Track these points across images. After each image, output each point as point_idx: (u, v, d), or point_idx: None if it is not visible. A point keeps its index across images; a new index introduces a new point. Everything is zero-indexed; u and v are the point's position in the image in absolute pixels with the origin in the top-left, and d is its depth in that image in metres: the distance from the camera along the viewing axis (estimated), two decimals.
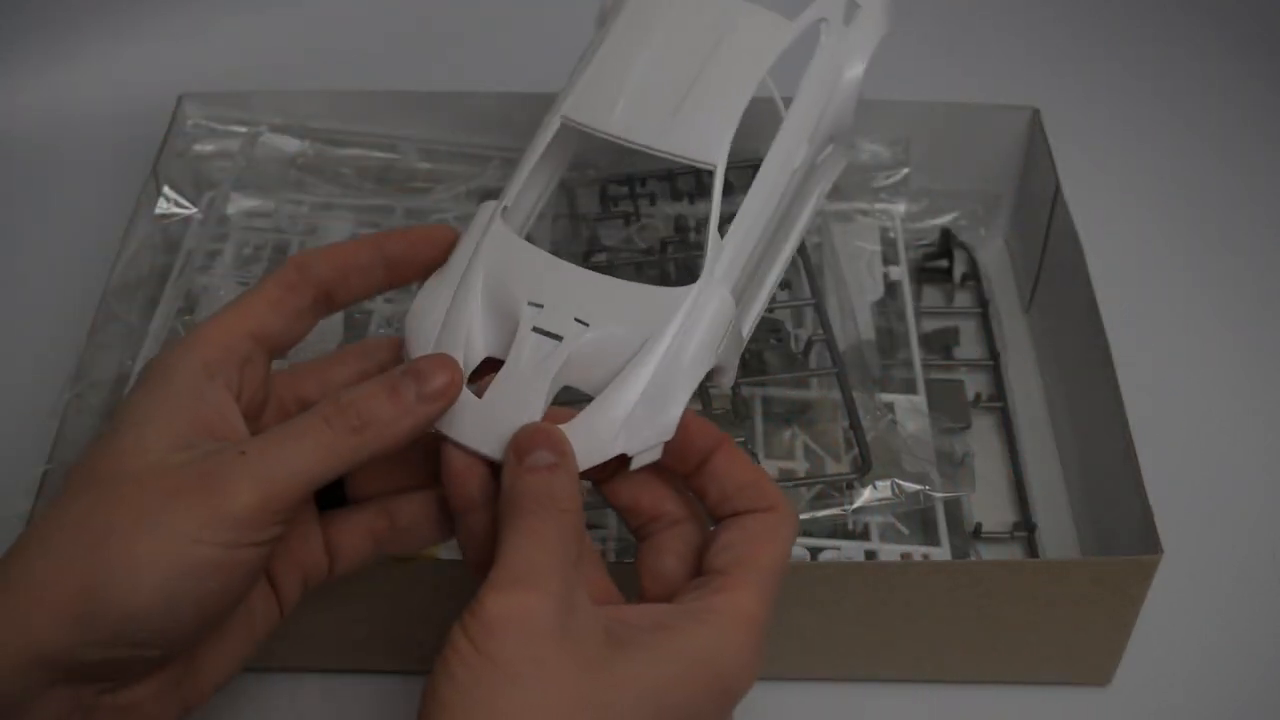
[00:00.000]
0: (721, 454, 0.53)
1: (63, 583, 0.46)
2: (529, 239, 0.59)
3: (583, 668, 0.46)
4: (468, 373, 0.54)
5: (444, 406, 0.52)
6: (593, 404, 0.53)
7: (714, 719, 0.49)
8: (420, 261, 0.57)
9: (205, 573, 0.47)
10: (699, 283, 0.56)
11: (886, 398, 0.74)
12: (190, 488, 0.47)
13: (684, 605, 0.50)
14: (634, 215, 0.82)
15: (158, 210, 0.80)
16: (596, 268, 0.79)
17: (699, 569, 0.52)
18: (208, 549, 0.47)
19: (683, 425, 0.53)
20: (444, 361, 0.53)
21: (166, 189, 0.81)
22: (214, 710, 0.67)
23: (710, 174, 0.83)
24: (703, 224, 0.81)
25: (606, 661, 0.47)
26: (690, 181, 0.84)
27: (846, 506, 0.68)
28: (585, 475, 0.53)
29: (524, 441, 0.51)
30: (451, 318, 0.55)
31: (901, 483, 0.68)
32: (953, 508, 0.72)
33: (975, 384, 0.80)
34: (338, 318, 0.76)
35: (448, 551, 0.68)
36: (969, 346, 0.83)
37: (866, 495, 0.68)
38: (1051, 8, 1.07)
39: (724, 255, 0.57)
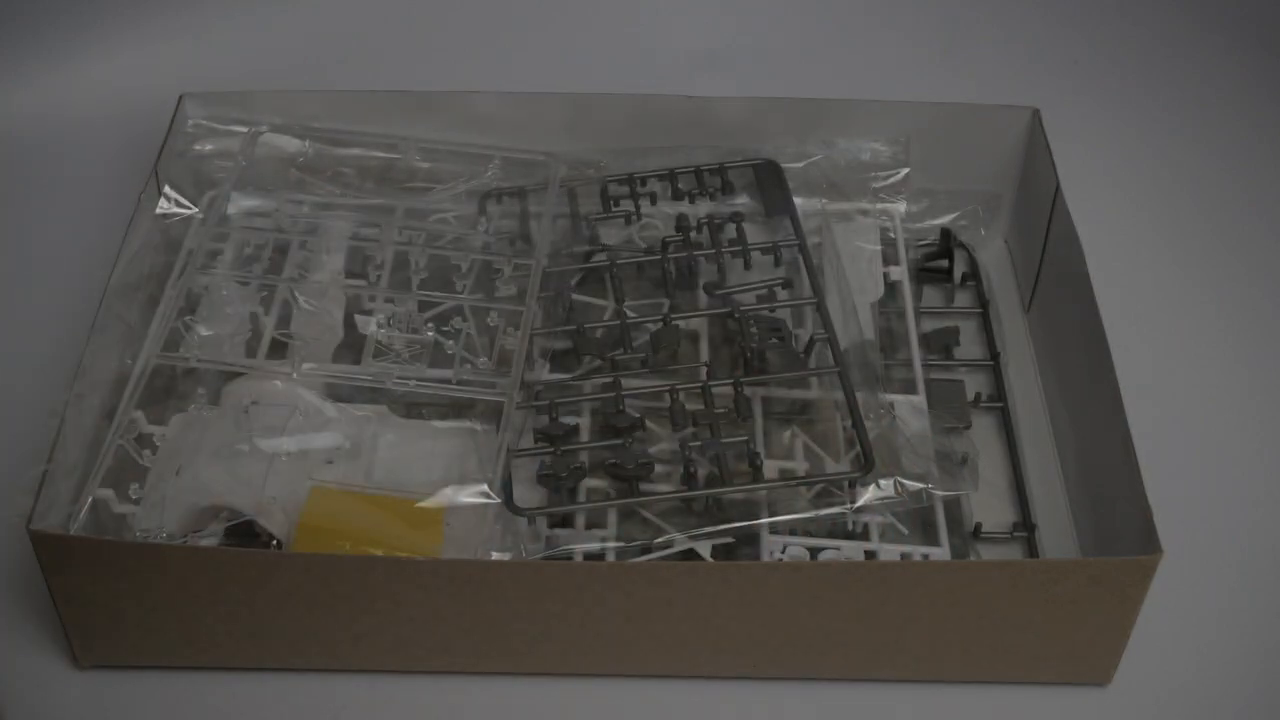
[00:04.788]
0: None
1: None
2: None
3: None
4: None
5: None
6: None
7: None
8: None
9: None
10: None
11: (886, 398, 0.74)
12: None
13: None
14: (635, 215, 0.82)
15: (158, 210, 0.80)
16: (595, 268, 0.79)
17: None
18: None
19: None
20: None
21: (167, 189, 0.81)
22: (215, 710, 0.68)
23: (714, 173, 0.83)
24: (703, 224, 0.81)
25: None
26: (691, 181, 0.84)
27: (849, 505, 0.68)
28: None
29: None
30: None
31: (904, 480, 0.68)
32: (952, 508, 0.72)
33: (975, 384, 0.80)
34: (338, 317, 0.76)
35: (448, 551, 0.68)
36: (969, 346, 0.83)
37: (869, 494, 0.68)
38: (1051, 8, 1.07)
39: None
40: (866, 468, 0.68)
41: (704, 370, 0.74)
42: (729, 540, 0.68)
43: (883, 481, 0.68)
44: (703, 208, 0.83)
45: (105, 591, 0.64)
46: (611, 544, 0.68)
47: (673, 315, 0.75)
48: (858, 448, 0.69)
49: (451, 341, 0.74)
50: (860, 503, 0.68)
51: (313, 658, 0.68)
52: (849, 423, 0.70)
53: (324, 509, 0.67)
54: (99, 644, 0.67)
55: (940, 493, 0.68)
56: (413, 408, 0.74)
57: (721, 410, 0.70)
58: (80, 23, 0.99)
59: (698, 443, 0.69)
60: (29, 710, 0.67)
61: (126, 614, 0.65)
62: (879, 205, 0.84)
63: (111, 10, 1.00)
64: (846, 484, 0.68)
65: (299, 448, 0.69)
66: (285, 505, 0.67)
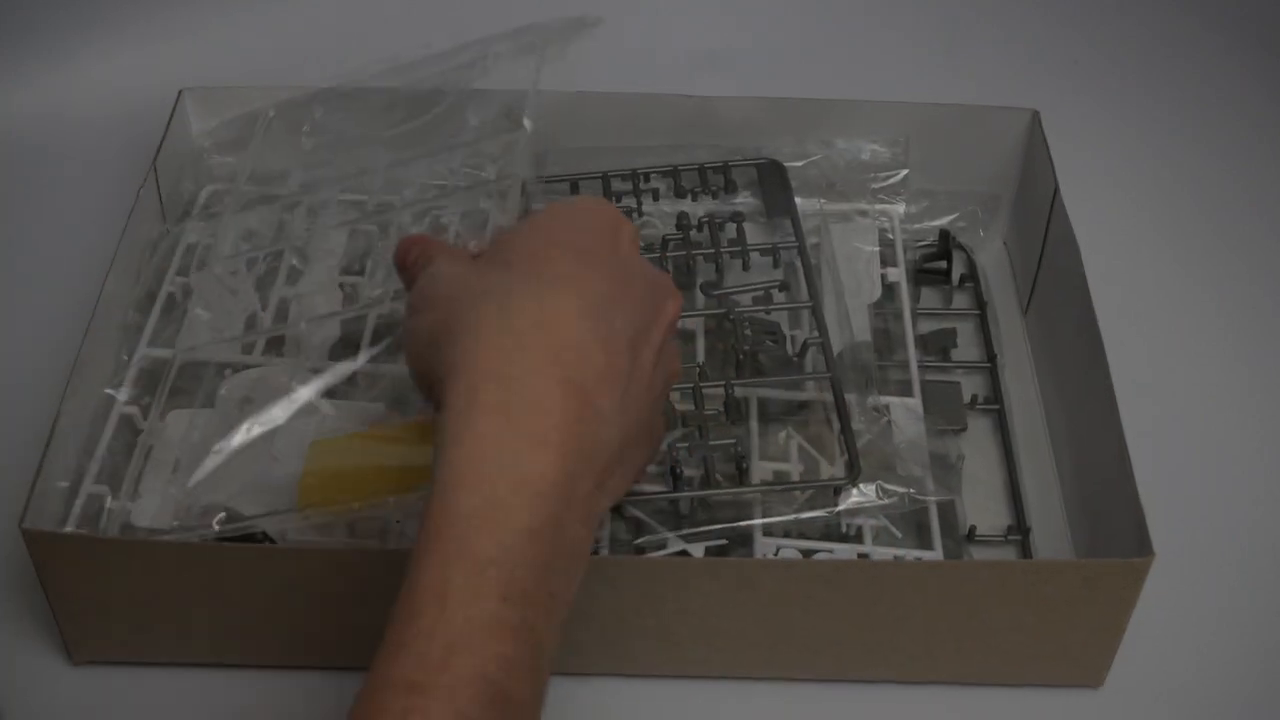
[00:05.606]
0: None
1: None
2: None
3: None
4: None
5: None
6: None
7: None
8: None
9: None
10: None
11: (882, 400, 0.74)
12: None
13: None
14: (637, 211, 0.82)
15: (157, 206, 0.80)
16: None
17: None
18: None
19: None
20: None
21: (164, 185, 0.81)
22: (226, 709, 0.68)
23: (717, 171, 0.83)
24: (703, 223, 0.81)
25: None
26: (694, 179, 0.84)
27: (831, 509, 0.67)
28: None
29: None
30: None
31: (887, 485, 0.68)
32: (946, 511, 0.72)
33: (972, 386, 0.80)
34: (333, 321, 0.76)
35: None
36: (966, 348, 0.83)
37: (853, 498, 0.68)
38: (1051, 9, 1.07)
39: None
40: (854, 474, 0.68)
41: (697, 371, 0.74)
42: (722, 542, 0.68)
43: (865, 486, 0.68)
44: (704, 206, 0.83)
45: (98, 589, 0.64)
46: (604, 544, 0.68)
47: None
48: (846, 453, 0.69)
49: None
50: (842, 506, 0.67)
51: (307, 655, 0.68)
52: (840, 427, 0.70)
53: (326, 460, 0.65)
54: (92, 641, 0.67)
55: (922, 497, 0.68)
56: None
57: (711, 412, 0.70)
58: (80, 23, 1.00)
59: (685, 444, 0.69)
60: (22, 708, 0.67)
61: (120, 611, 0.66)
62: (878, 206, 0.84)
63: (111, 10, 1.00)
64: (832, 490, 0.68)
65: (295, 443, 0.69)
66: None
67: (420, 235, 0.65)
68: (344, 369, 0.73)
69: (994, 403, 0.79)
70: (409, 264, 0.60)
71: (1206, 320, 0.86)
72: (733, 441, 0.69)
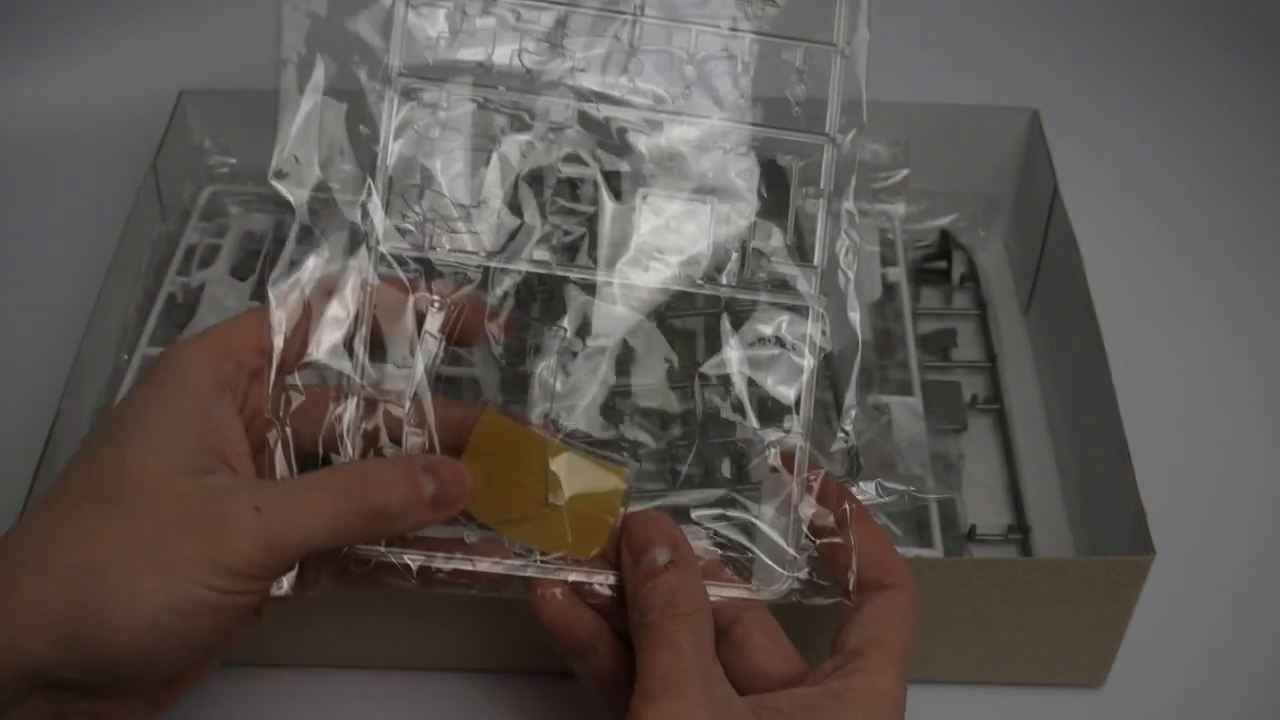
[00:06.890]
0: (858, 525, 0.56)
1: (57, 601, 0.46)
2: None
3: None
4: None
5: (448, 515, 0.53)
6: None
7: None
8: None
9: (199, 612, 0.47)
10: None
11: (882, 399, 0.73)
12: (198, 529, 0.47)
13: (827, 687, 0.52)
14: None
15: (156, 205, 0.81)
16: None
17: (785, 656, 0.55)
18: (205, 592, 0.47)
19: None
20: (463, 474, 0.53)
21: (164, 185, 0.81)
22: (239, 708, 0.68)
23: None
24: None
25: None
26: None
27: None
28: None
29: (637, 537, 0.54)
30: None
31: (885, 483, 0.68)
32: (947, 510, 0.72)
33: (972, 385, 0.80)
34: None
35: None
36: (967, 348, 0.83)
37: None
38: (1051, 9, 1.07)
39: None
40: (853, 474, 0.68)
41: (696, 370, 0.74)
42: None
43: (865, 484, 0.68)
44: None
45: None
46: None
47: (669, 314, 0.75)
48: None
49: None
50: None
51: (310, 653, 0.68)
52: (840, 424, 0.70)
53: (492, 443, 0.57)
54: None
55: (922, 495, 0.68)
56: None
57: (711, 411, 0.70)
58: (80, 23, 1.00)
59: (684, 443, 0.69)
60: None
61: None
62: (878, 206, 0.84)
63: (111, 10, 1.00)
64: None
65: None
66: None
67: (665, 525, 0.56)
68: None
69: (994, 402, 0.79)
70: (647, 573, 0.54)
71: (1206, 320, 0.87)
72: (732, 439, 0.69)
